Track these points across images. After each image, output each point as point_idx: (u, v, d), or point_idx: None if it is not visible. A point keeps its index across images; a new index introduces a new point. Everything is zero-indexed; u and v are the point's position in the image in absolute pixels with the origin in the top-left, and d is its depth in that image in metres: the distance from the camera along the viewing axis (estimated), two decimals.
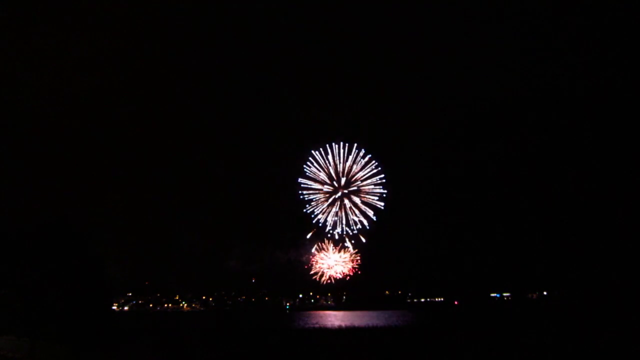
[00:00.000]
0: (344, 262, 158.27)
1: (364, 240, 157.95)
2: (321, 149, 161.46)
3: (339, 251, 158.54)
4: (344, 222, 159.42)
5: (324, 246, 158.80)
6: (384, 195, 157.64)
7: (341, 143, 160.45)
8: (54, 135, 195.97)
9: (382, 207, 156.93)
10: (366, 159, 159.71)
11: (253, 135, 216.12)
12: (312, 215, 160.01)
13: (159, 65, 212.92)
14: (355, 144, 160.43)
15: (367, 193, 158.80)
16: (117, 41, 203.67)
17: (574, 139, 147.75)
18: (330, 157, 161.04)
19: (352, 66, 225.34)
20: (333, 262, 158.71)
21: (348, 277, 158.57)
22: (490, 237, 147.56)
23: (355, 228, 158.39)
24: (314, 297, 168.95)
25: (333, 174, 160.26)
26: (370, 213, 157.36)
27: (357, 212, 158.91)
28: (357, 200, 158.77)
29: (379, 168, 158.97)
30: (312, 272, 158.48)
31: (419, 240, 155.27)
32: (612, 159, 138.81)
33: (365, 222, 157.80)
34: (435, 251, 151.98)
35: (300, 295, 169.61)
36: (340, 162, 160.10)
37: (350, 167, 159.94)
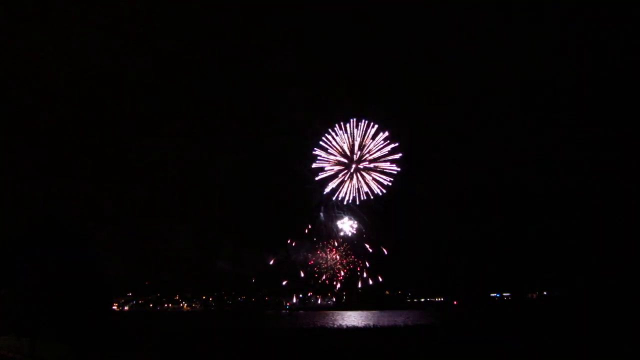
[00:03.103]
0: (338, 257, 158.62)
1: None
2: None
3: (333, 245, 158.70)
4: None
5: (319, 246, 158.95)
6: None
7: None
8: (53, 135, 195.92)
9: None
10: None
11: (254, 132, 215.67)
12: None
13: (158, 64, 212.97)
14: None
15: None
16: (116, 39, 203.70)
17: (574, 139, 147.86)
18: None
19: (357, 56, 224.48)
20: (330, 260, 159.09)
21: (344, 271, 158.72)
22: (490, 237, 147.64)
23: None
24: (314, 297, 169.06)
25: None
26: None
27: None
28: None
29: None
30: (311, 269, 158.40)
31: (418, 240, 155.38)
32: (612, 159, 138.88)
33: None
34: (435, 251, 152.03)
35: (301, 295, 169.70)
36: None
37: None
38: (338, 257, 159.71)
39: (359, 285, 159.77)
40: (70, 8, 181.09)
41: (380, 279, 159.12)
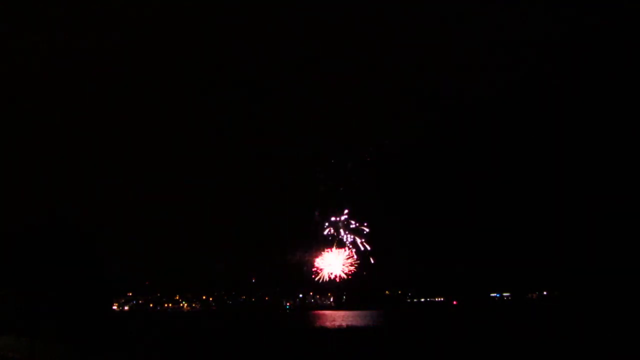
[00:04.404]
0: (344, 261, 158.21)
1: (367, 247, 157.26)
2: None
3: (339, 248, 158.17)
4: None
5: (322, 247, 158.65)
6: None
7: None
8: (55, 134, 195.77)
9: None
10: None
11: (257, 131, 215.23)
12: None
13: (160, 64, 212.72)
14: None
15: None
16: (119, 38, 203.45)
17: (575, 138, 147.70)
18: None
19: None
20: (332, 262, 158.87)
21: (348, 277, 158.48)
22: (490, 237, 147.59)
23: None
24: (314, 297, 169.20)
25: None
26: None
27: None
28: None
29: None
30: (310, 271, 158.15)
31: (418, 240, 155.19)
32: (612, 158, 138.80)
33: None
34: (435, 251, 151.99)
35: (301, 295, 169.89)
36: None
37: None
38: (336, 259, 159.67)
39: (357, 288, 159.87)
40: (75, 7, 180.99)
41: (379, 282, 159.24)
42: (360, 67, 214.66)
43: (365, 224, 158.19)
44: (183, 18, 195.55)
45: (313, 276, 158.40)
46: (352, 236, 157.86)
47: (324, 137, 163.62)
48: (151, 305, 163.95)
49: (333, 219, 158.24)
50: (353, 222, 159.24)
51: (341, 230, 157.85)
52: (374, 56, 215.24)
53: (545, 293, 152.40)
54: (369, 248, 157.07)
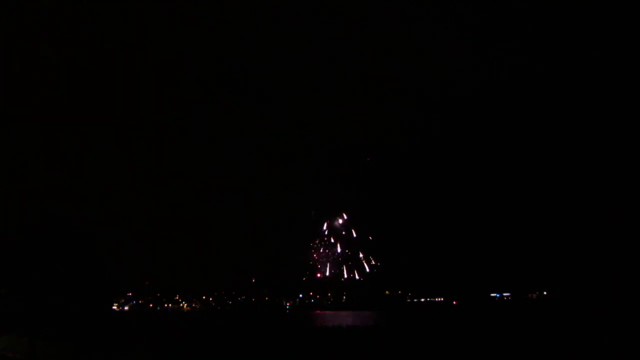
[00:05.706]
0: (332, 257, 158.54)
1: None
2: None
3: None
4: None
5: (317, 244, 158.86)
6: None
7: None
8: (55, 134, 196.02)
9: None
10: None
11: (260, 135, 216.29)
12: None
13: (163, 63, 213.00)
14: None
15: None
16: (120, 38, 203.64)
17: (574, 137, 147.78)
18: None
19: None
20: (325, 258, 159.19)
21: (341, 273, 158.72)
22: (490, 237, 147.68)
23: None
24: (314, 297, 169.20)
25: None
26: None
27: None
28: None
29: None
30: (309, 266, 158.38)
31: (418, 240, 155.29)
32: (612, 157, 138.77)
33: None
34: (435, 251, 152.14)
35: (301, 295, 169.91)
36: None
37: None
38: (334, 255, 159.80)
39: (357, 288, 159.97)
40: (70, 8, 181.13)
41: (379, 282, 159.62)
42: (361, 68, 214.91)
43: (368, 234, 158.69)
44: (183, 19, 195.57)
45: (304, 278, 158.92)
46: (350, 251, 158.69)
47: (323, 137, 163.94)
48: (151, 305, 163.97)
49: (326, 225, 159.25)
50: (354, 231, 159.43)
51: (338, 245, 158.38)
52: (375, 58, 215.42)
53: (545, 293, 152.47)
54: (375, 263, 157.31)
